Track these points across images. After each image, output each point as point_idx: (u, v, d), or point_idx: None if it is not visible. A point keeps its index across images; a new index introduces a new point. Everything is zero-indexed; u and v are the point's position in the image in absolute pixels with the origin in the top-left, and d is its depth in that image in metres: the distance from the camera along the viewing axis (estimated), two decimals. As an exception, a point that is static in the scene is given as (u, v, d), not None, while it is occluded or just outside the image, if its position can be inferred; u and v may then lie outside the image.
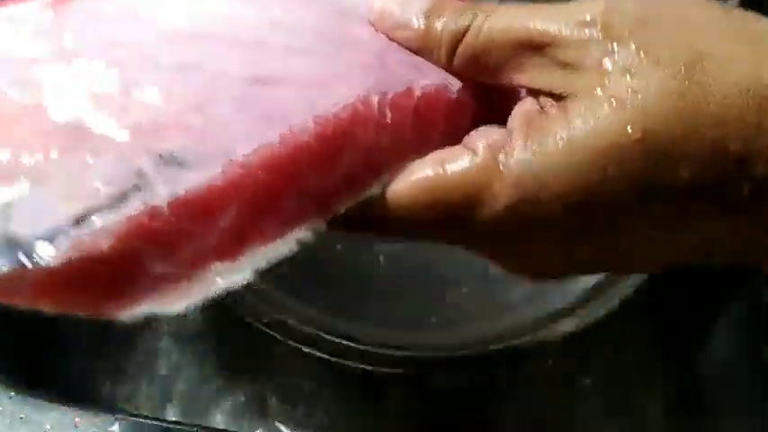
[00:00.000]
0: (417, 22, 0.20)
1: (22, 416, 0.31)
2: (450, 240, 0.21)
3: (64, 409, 0.31)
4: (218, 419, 0.47)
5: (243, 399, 0.44)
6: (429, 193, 0.19)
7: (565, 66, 0.19)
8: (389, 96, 0.19)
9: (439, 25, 0.20)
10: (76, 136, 0.16)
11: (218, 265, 0.16)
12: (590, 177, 0.18)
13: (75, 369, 0.46)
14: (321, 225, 0.18)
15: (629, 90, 0.17)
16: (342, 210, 0.19)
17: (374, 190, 0.19)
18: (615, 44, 0.18)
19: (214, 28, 0.19)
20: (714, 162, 0.17)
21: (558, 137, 0.18)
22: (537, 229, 0.19)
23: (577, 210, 0.18)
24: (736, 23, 0.19)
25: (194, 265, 0.16)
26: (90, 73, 0.17)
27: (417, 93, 0.20)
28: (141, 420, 0.30)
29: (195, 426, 0.30)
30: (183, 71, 0.18)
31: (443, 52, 0.20)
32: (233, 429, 0.45)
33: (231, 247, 0.17)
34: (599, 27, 0.18)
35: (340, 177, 0.18)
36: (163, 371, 0.50)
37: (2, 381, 0.32)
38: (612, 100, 0.17)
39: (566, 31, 0.18)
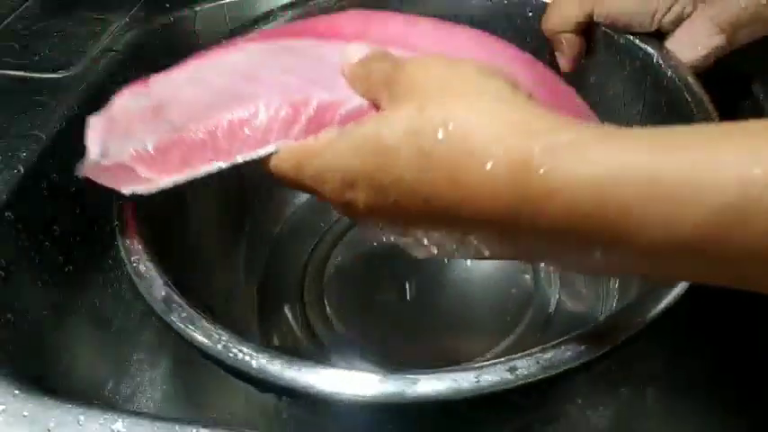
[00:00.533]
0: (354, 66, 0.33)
1: (26, 413, 0.31)
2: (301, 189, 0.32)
3: (67, 406, 0.31)
4: (222, 417, 0.47)
5: (245, 397, 0.44)
6: (282, 162, 0.32)
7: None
8: (291, 103, 0.33)
9: (370, 68, 0.31)
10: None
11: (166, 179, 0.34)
12: (348, 154, 0.28)
13: (79, 367, 0.46)
14: (228, 163, 0.34)
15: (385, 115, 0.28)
16: (241, 160, 0.33)
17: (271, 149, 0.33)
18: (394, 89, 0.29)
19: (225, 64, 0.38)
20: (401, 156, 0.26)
21: (348, 130, 0.29)
22: (327, 183, 0.30)
23: (342, 177, 0.29)
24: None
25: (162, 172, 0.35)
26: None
27: (314, 104, 0.32)
28: (144, 418, 0.30)
29: (199, 422, 0.30)
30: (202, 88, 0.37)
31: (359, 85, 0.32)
32: (236, 427, 0.45)
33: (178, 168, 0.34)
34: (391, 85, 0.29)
35: (240, 142, 0.33)
36: (165, 369, 0.50)
37: (6, 378, 0.32)
38: (382, 119, 0.28)
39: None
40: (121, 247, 0.36)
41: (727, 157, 0.20)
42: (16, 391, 0.32)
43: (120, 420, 0.30)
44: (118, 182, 0.35)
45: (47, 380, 0.43)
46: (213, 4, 0.60)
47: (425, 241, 0.29)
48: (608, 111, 0.49)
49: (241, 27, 0.50)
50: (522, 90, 0.27)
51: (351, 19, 0.40)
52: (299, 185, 0.31)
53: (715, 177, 0.20)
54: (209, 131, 0.34)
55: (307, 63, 0.37)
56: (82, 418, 0.30)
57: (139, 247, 0.36)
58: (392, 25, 0.39)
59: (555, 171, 0.23)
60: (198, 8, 0.60)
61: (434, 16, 0.42)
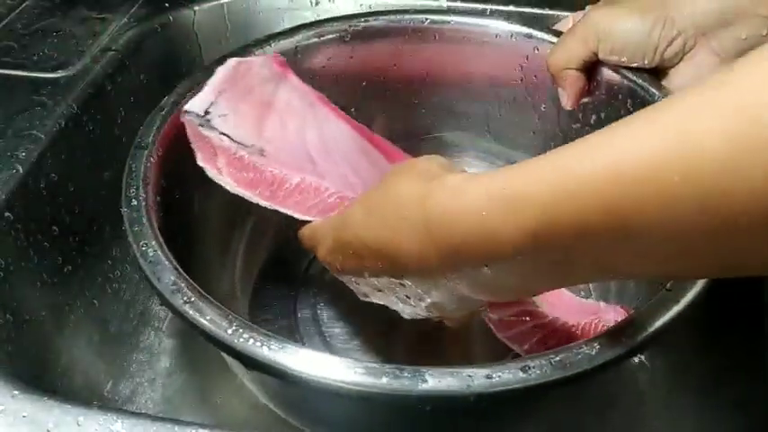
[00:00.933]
0: None
1: (25, 414, 0.31)
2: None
3: (67, 407, 0.31)
4: (221, 417, 0.47)
5: (244, 397, 0.44)
6: (305, 230, 0.41)
7: None
8: (340, 195, 0.43)
9: None
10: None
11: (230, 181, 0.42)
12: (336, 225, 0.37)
13: (78, 367, 0.46)
14: (272, 208, 0.42)
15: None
16: (283, 212, 0.42)
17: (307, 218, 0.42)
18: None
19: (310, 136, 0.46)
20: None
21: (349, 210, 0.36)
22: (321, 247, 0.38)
23: (327, 244, 0.38)
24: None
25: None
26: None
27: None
28: (143, 419, 0.30)
29: (198, 423, 0.30)
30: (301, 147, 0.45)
31: None
32: (235, 428, 0.45)
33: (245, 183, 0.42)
34: None
35: (292, 202, 0.43)
36: (164, 370, 0.50)
37: (5, 379, 0.32)
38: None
39: None
40: (129, 232, 0.36)
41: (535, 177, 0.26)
42: (15, 392, 0.32)
43: (119, 421, 0.30)
44: (200, 148, 0.42)
45: (46, 380, 0.43)
46: (212, 3, 0.60)
47: (392, 297, 0.36)
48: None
49: (254, 42, 0.51)
50: (451, 168, 0.34)
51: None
52: (309, 248, 0.41)
53: (525, 191, 0.26)
54: (280, 180, 0.43)
55: (371, 170, 0.47)
56: (81, 418, 0.30)
57: (149, 231, 0.36)
58: None
59: (438, 203, 0.29)
60: (197, 7, 0.60)
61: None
